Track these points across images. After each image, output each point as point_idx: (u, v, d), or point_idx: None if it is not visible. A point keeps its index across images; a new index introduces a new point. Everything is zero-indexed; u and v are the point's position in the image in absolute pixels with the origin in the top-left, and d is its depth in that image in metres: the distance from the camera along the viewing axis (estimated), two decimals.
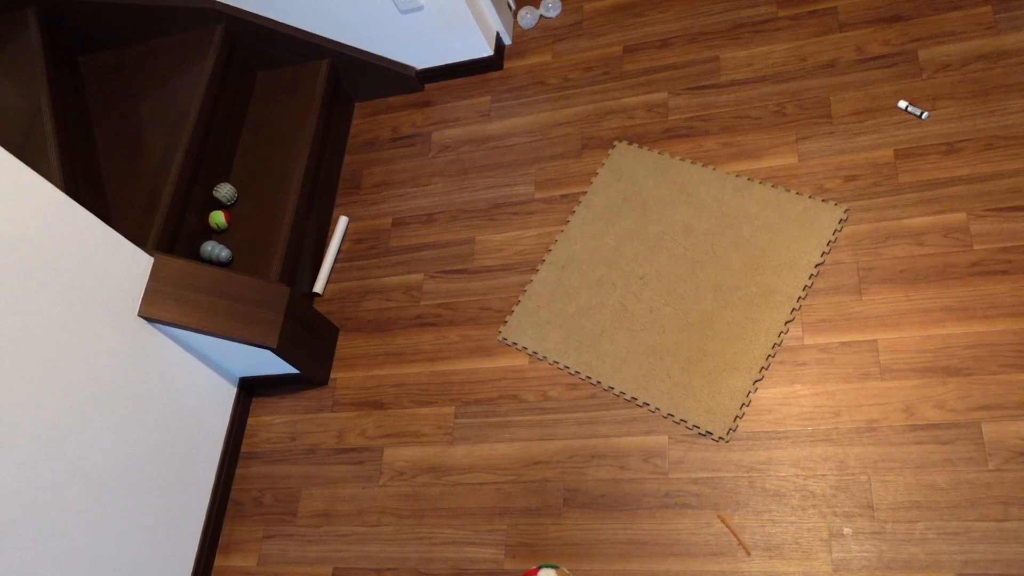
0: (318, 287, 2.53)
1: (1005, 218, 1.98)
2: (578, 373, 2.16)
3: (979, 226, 1.99)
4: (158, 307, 2.11)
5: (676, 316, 2.14)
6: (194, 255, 2.44)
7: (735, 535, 1.85)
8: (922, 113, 2.17)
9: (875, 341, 1.95)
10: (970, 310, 1.91)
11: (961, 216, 2.02)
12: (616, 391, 2.10)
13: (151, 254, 2.14)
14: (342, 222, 2.63)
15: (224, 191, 2.51)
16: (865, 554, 1.75)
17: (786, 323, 2.05)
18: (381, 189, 2.66)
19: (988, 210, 2.00)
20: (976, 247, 1.97)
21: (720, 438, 1.97)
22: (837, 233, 2.12)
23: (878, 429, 1.86)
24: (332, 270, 2.57)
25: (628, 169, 2.41)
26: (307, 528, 2.19)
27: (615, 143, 2.46)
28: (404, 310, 2.42)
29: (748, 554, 1.82)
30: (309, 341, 2.31)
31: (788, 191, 2.22)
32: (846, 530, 1.79)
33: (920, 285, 1.98)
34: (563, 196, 2.43)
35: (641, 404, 2.07)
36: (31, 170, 1.82)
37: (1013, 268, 1.92)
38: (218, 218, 2.47)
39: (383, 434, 2.25)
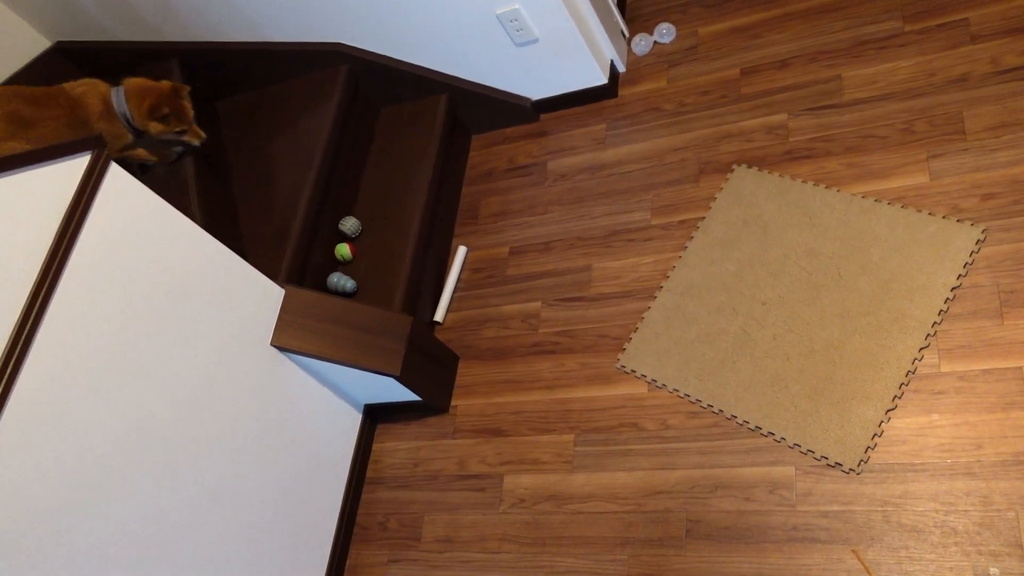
0: (438, 316, 2.59)
1: None
2: (699, 401, 2.12)
3: None
4: (289, 337, 2.21)
5: (801, 343, 2.08)
6: (321, 286, 2.55)
7: (869, 573, 1.77)
8: None
9: (1020, 368, 1.84)
10: None
11: None
12: (739, 420, 2.05)
13: (282, 286, 2.25)
14: (461, 251, 2.69)
15: (349, 224, 2.62)
16: None
17: (920, 349, 1.96)
18: (498, 219, 2.71)
19: None
20: None
21: (851, 469, 1.89)
22: (974, 255, 2.01)
23: None
24: (452, 299, 2.63)
25: (747, 193, 2.37)
26: (431, 553, 2.23)
27: (733, 167, 2.43)
28: (522, 338, 2.45)
29: None
30: (430, 369, 2.37)
31: (919, 211, 2.13)
32: (993, 570, 1.68)
33: None
34: (681, 222, 2.41)
35: (766, 433, 2.01)
36: (175, 209, 1.95)
37: None
38: (343, 250, 2.57)
39: (503, 461, 2.28)
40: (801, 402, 2.01)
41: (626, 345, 2.29)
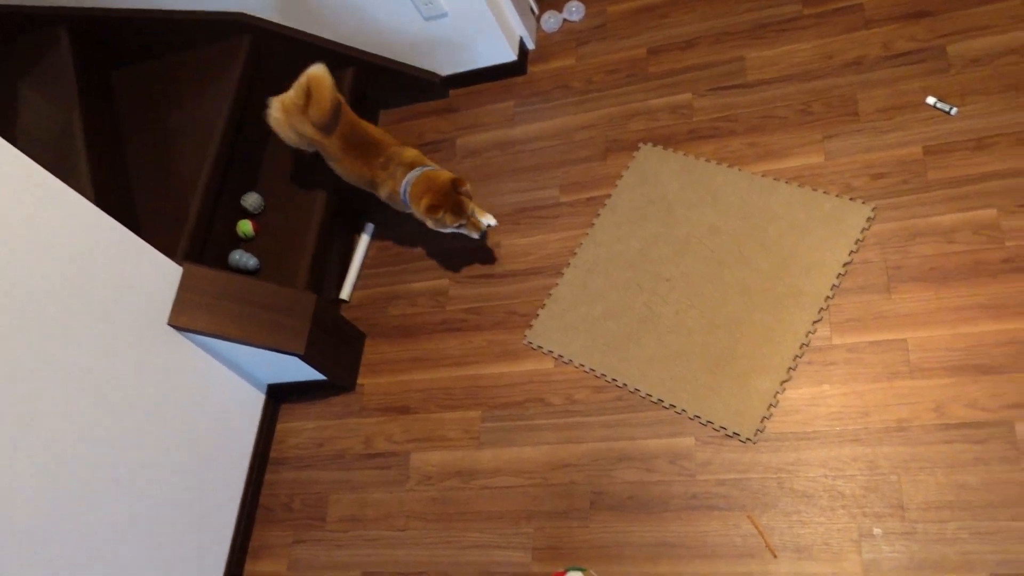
0: (344, 294, 2.55)
1: None
2: (604, 376, 2.15)
3: (1010, 222, 1.95)
4: (187, 316, 2.14)
5: (703, 318, 2.13)
6: (223, 264, 2.47)
7: (763, 536, 1.83)
8: (951, 109, 2.14)
9: (904, 340, 1.92)
10: (1002, 307, 1.87)
11: (992, 212, 1.98)
12: (643, 393, 2.09)
13: (180, 264, 2.18)
14: (368, 228, 2.65)
15: (251, 200, 2.55)
16: (896, 555, 1.72)
17: (814, 323, 2.03)
18: None
19: (1020, 206, 1.96)
20: (1008, 243, 1.93)
21: (748, 439, 1.95)
22: (865, 232, 2.09)
23: (908, 429, 1.83)
24: (358, 277, 2.59)
25: (653, 171, 2.40)
26: (336, 533, 2.21)
27: (640, 145, 2.46)
28: (430, 315, 2.43)
29: (775, 556, 1.80)
30: (336, 347, 2.33)
31: (815, 190, 2.19)
32: (876, 531, 1.76)
33: (950, 283, 1.94)
34: (588, 199, 2.43)
35: (668, 406, 2.05)
36: (64, 184, 1.86)
37: None
38: (245, 227, 2.50)
39: (410, 439, 2.26)
40: (703, 375, 2.06)
41: (533, 321, 2.30)
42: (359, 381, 2.41)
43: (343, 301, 2.56)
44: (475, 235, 2.30)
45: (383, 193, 2.37)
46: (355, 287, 2.58)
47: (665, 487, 1.96)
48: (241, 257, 2.44)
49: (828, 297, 2.05)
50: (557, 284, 2.33)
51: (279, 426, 2.43)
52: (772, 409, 1.96)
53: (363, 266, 2.61)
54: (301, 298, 2.23)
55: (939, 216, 2.03)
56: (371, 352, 2.45)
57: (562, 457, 2.09)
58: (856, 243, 2.09)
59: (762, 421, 1.96)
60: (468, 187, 2.21)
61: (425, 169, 2.27)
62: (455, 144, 2.71)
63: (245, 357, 2.28)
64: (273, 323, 2.18)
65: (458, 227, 2.26)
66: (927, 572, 1.69)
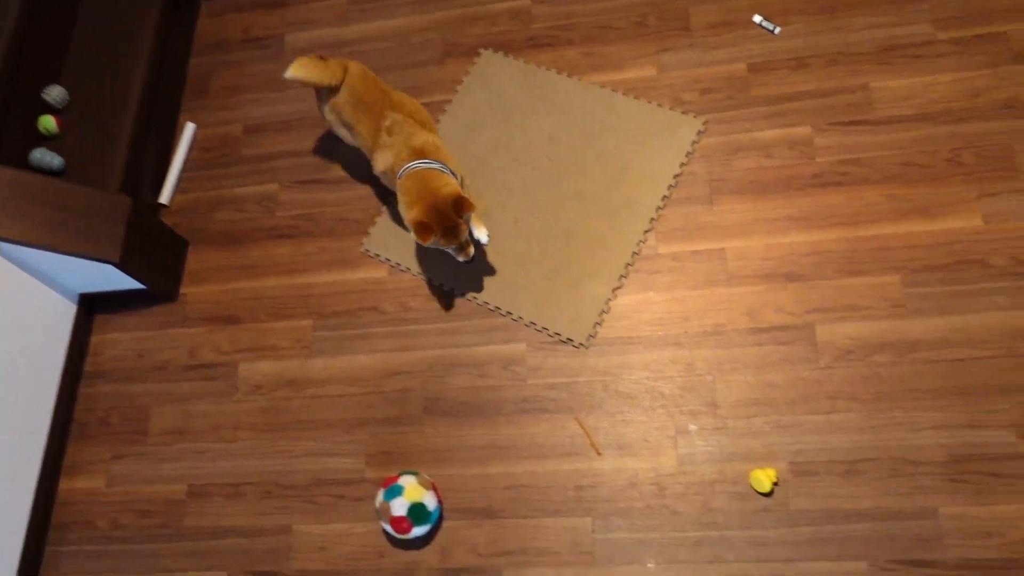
0: (164, 198, 2.39)
1: (844, 132, 2.07)
2: (440, 284, 2.14)
3: (822, 139, 2.08)
4: None
5: (541, 226, 2.15)
6: (23, 164, 2.24)
7: (589, 436, 1.91)
8: (775, 28, 2.22)
9: (723, 250, 2.03)
10: (810, 219, 2.00)
11: (806, 129, 2.10)
12: (479, 301, 2.10)
13: None
14: (189, 128, 2.47)
15: (54, 93, 2.31)
16: (708, 448, 1.85)
17: (645, 232, 2.10)
18: (232, 94, 2.51)
19: (830, 124, 2.09)
20: (818, 159, 2.06)
21: (580, 344, 2.01)
22: (695, 145, 2.17)
23: (723, 332, 1.94)
24: (179, 180, 2.43)
25: (494, 78, 2.37)
26: (159, 446, 2.12)
27: (480, 51, 2.41)
28: (258, 221, 2.32)
29: (599, 454, 1.89)
30: (155, 254, 2.19)
31: (649, 103, 2.24)
32: (692, 427, 1.88)
33: (766, 196, 2.05)
34: (427, 104, 2.37)
35: (504, 313, 2.08)
36: None
37: (849, 180, 2.02)
38: (48, 123, 2.27)
39: (238, 349, 2.18)
40: (540, 283, 2.09)
41: (370, 229, 2.25)
42: (182, 290, 2.29)
43: (163, 206, 2.40)
44: (461, 259, 2.03)
45: (379, 163, 2.03)
46: (176, 191, 2.42)
47: (497, 392, 2.01)
48: (44, 156, 2.22)
49: (659, 208, 2.11)
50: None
51: (94, 338, 2.27)
52: (604, 315, 2.03)
53: (184, 169, 2.44)
54: (114, 201, 2.06)
55: (760, 132, 2.12)
56: (195, 260, 2.32)
57: (396, 365, 2.08)
58: (687, 155, 2.16)
59: (594, 327, 2.02)
60: (473, 210, 1.87)
61: (431, 166, 1.92)
62: (283, 41, 2.55)
63: (53, 265, 2.10)
64: (84, 229, 2.02)
65: (446, 248, 1.96)
66: (735, 463, 1.83)
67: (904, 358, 1.83)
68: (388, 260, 2.20)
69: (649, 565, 1.78)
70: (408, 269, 2.18)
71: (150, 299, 2.29)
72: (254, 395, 2.12)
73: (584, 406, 1.95)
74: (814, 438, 1.81)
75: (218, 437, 2.10)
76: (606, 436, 1.92)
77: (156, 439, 2.12)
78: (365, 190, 2.29)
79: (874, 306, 1.89)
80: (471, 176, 2.24)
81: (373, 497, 1.96)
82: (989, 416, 1.75)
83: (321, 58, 2.02)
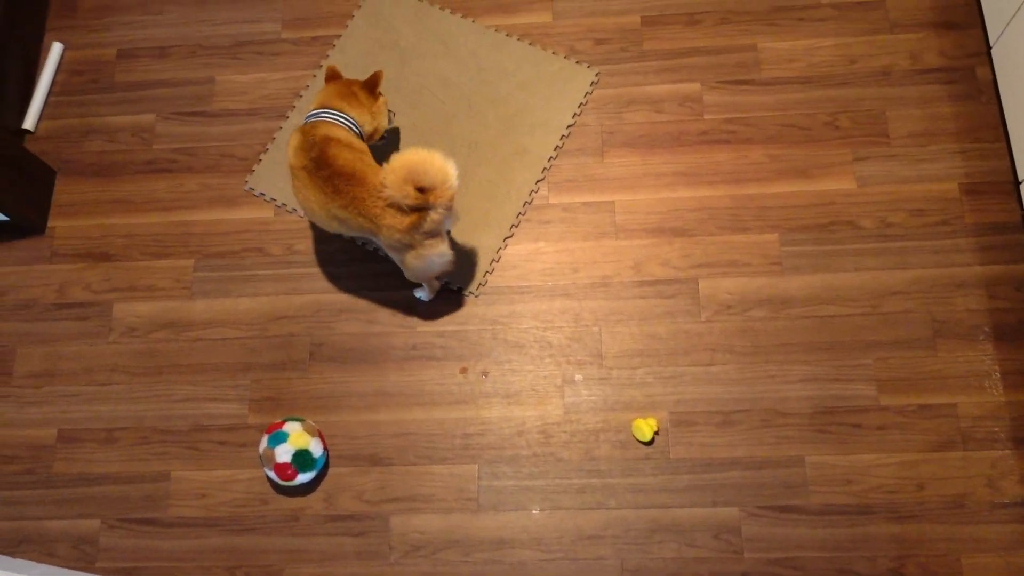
0: (28, 123, 2.22)
1: (732, 91, 2.12)
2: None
3: (710, 97, 2.12)
4: None
5: None
6: None
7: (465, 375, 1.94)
8: None
9: (613, 202, 2.07)
10: (696, 175, 2.06)
11: (696, 86, 2.14)
12: (371, 246, 2.07)
13: None
14: (55, 49, 2.29)
15: None
16: (592, 397, 1.91)
17: (537, 182, 2.10)
18: (103, 14, 2.34)
19: (719, 82, 2.14)
20: (706, 116, 2.11)
21: (471, 293, 2.02)
22: (588, 96, 2.17)
23: (610, 284, 1.99)
24: (45, 104, 2.26)
25: (386, 15, 2.29)
26: (24, 389, 2.01)
27: None
28: (134, 154, 2.19)
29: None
30: (18, 184, 2.04)
31: (544, 50, 2.22)
32: (577, 377, 1.94)
33: (656, 150, 2.10)
34: (314, 38, 2.28)
35: None
36: None
37: (734, 138, 2.08)
38: None
39: (112, 288, 2.08)
40: None
41: (255, 167, 2.16)
42: (50, 224, 2.15)
43: (27, 131, 2.23)
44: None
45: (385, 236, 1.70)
46: (41, 116, 2.25)
47: (386, 339, 2.00)
48: None
49: (551, 157, 2.12)
50: (280, 128, 2.19)
51: None
52: (494, 264, 2.04)
53: (51, 92, 2.27)
54: None
55: (651, 86, 2.15)
56: (64, 191, 2.17)
57: (281, 308, 2.03)
58: (580, 106, 2.17)
59: (484, 276, 2.03)
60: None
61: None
62: None
63: None
64: None
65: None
66: (618, 412, 1.89)
67: (779, 314, 1.93)
68: (274, 200, 2.13)
69: (534, 512, 1.84)
70: (295, 210, 2.11)
71: (14, 231, 2.13)
72: (129, 337, 2.03)
73: (473, 354, 1.97)
74: (693, 389, 1.89)
75: (90, 380, 2.00)
76: (494, 384, 1.94)
77: (21, 381, 2.01)
78: (249, 125, 2.20)
79: (753, 263, 1.97)
80: None
81: (257, 444, 1.93)
82: (853, 370, 1.87)
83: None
